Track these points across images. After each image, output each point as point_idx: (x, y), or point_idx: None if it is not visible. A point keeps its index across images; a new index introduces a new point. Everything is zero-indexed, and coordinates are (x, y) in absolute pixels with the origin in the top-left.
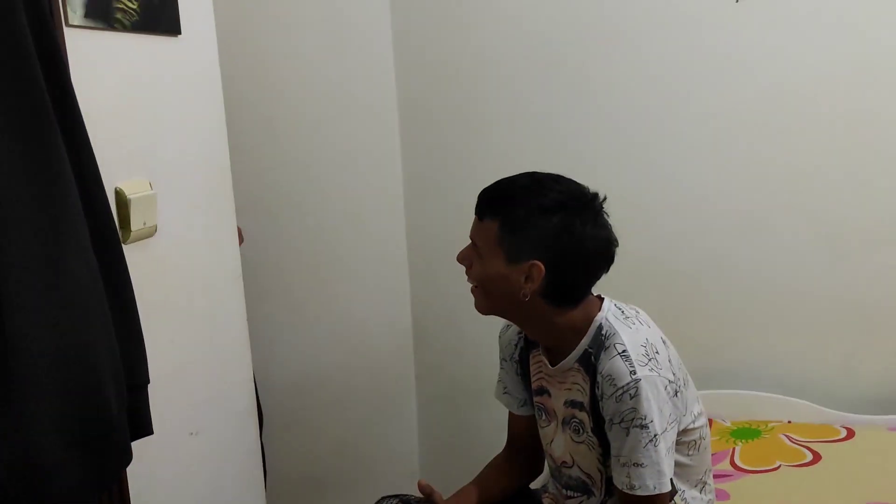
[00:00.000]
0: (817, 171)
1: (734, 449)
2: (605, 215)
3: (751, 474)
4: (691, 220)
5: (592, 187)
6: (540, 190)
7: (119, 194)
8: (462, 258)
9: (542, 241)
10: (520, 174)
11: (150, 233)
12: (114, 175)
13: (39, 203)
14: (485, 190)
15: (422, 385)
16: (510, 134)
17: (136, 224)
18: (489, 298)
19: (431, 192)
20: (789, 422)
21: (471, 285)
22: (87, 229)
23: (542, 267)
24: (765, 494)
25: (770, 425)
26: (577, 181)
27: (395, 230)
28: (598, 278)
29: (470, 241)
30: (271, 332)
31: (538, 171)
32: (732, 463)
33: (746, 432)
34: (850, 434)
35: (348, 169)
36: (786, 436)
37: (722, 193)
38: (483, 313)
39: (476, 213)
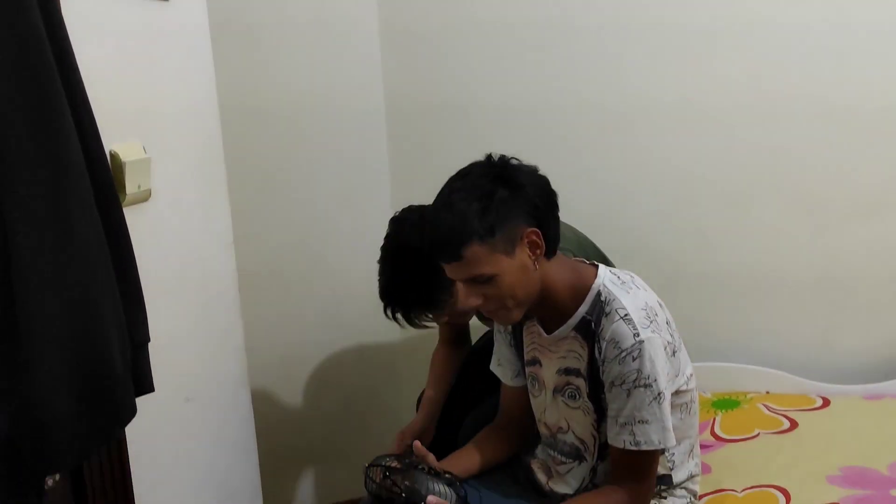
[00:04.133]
0: (796, 147)
1: (714, 419)
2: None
3: (731, 443)
4: (672, 197)
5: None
6: (469, 191)
7: (114, 157)
8: (473, 301)
9: (514, 214)
10: (431, 207)
11: (145, 197)
12: (108, 137)
13: (44, 157)
14: (434, 239)
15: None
16: None
17: (130, 187)
18: (518, 301)
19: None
20: (767, 392)
21: (487, 310)
22: (90, 186)
23: (536, 228)
24: (745, 461)
25: (749, 396)
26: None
27: (383, 210)
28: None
29: (464, 284)
30: (261, 309)
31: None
32: (713, 433)
33: (726, 403)
34: (826, 403)
35: (335, 164)
36: (764, 405)
37: (702, 171)
38: (514, 322)
39: (445, 261)
